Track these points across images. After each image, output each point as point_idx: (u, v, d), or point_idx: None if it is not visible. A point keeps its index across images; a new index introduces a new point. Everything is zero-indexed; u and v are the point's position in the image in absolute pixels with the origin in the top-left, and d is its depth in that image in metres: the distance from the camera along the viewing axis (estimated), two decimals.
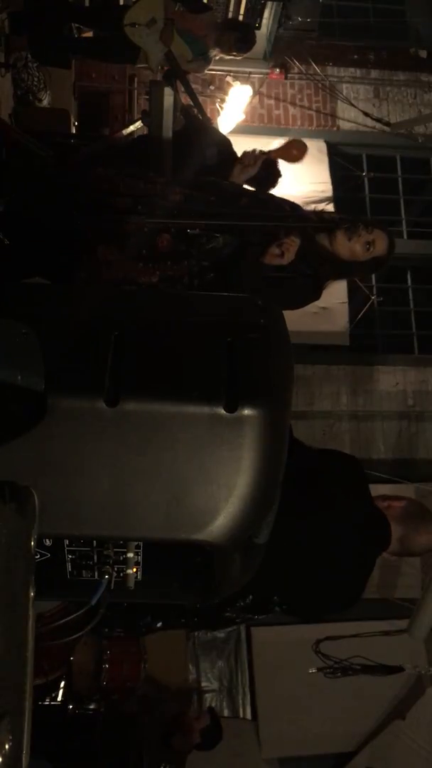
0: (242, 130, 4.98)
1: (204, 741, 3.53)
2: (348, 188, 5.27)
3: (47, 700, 3.14)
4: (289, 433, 1.12)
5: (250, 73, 5.11)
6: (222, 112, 4.97)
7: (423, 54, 5.38)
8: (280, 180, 3.27)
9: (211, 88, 5.07)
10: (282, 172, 3.27)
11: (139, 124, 3.32)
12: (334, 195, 4.97)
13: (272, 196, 2.51)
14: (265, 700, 4.20)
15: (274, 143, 4.37)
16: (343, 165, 5.27)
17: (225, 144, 3.36)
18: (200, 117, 3.28)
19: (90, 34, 4.13)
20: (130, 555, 1.07)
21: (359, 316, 4.82)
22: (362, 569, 1.73)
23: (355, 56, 5.38)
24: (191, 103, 3.29)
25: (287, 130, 5.16)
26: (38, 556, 1.03)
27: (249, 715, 4.31)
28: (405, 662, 2.41)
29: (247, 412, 0.98)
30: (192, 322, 1.10)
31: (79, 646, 3.06)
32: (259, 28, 4.68)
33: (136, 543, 1.06)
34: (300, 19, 5.04)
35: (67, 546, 1.05)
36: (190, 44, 3.58)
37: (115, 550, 1.06)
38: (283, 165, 3.19)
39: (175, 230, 2.06)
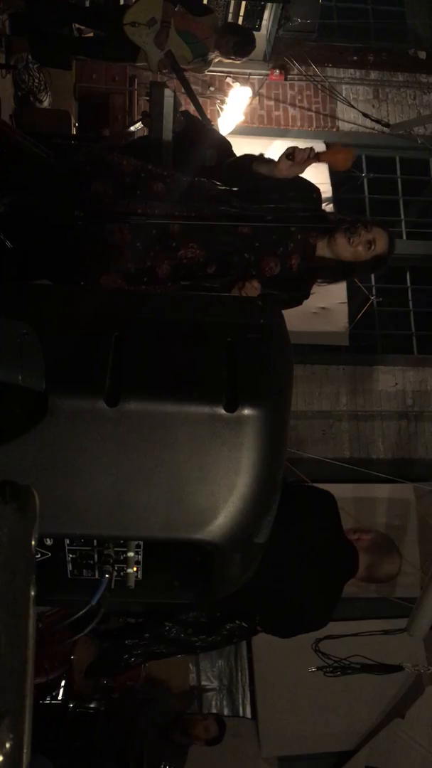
0: (242, 131, 4.98)
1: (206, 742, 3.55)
2: (347, 189, 5.28)
3: (48, 698, 3.14)
4: None
5: (249, 74, 5.11)
6: (222, 114, 4.97)
7: (422, 55, 5.38)
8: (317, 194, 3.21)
9: (211, 89, 5.07)
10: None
11: (139, 125, 3.32)
12: (334, 196, 4.98)
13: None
14: (264, 698, 4.20)
15: (274, 144, 4.38)
16: None
17: (225, 146, 3.36)
18: (200, 118, 3.28)
19: (90, 34, 4.14)
20: (131, 554, 1.07)
21: (359, 316, 4.83)
22: (332, 596, 1.95)
23: (355, 57, 5.38)
24: (191, 104, 3.30)
25: (287, 131, 5.16)
26: (39, 556, 1.04)
27: (249, 714, 4.31)
28: (404, 661, 2.41)
29: (247, 412, 0.98)
30: (192, 322, 1.10)
31: (80, 645, 3.05)
32: (258, 29, 4.69)
33: (136, 542, 1.06)
34: (299, 20, 5.04)
35: (68, 545, 1.05)
36: (191, 45, 3.59)
37: (115, 549, 1.06)
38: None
39: (175, 260, 2.06)
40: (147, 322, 1.08)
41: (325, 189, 5.01)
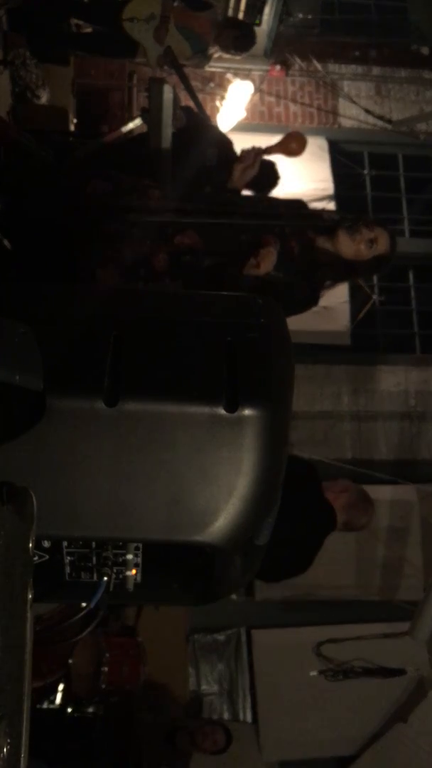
0: (242, 127, 4.96)
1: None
2: (349, 186, 5.26)
3: (45, 703, 3.12)
4: None
5: (250, 70, 5.09)
6: (222, 110, 4.95)
7: (425, 51, 5.37)
8: (279, 181, 3.25)
9: (212, 85, 5.05)
10: (281, 173, 3.25)
11: (138, 121, 3.30)
12: (336, 193, 4.96)
13: (272, 200, 2.48)
14: (265, 703, 4.19)
15: (274, 140, 4.35)
16: (344, 163, 5.26)
17: (225, 144, 3.34)
18: (201, 115, 3.27)
19: (89, 29, 4.12)
20: (130, 556, 1.06)
21: (360, 315, 4.81)
22: (313, 546, 2.26)
23: (357, 53, 5.36)
24: (191, 100, 3.28)
25: (288, 127, 5.14)
26: (36, 558, 1.03)
27: (249, 719, 4.30)
28: (407, 665, 2.40)
29: (247, 412, 0.97)
30: (192, 321, 1.09)
31: (78, 649, 3.04)
32: (259, 24, 4.67)
33: (135, 544, 1.05)
34: (301, 15, 5.03)
35: (66, 547, 1.05)
36: (190, 40, 3.57)
37: (114, 551, 1.05)
38: (284, 163, 3.17)
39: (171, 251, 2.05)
40: (146, 321, 1.07)
41: (327, 186, 5.00)
